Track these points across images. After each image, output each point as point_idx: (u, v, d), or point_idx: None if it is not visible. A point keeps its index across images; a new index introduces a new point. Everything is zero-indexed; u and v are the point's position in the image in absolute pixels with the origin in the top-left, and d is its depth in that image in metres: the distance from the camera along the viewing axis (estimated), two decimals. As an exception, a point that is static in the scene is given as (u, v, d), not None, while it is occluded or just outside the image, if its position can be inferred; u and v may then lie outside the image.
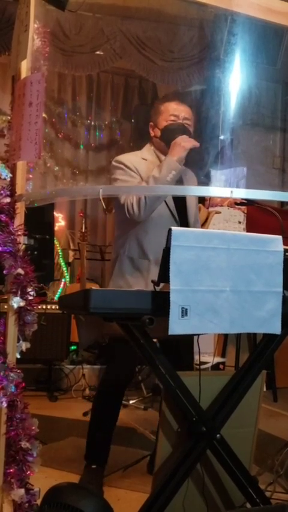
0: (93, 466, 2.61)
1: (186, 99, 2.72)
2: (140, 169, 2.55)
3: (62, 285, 5.41)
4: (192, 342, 2.64)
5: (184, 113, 2.60)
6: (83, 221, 5.15)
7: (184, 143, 2.46)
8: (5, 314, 1.77)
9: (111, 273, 2.68)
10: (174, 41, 4.54)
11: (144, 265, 2.54)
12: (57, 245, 5.41)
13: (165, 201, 2.54)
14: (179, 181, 2.55)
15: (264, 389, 2.60)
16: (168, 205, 2.56)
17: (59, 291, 5.32)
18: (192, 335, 2.00)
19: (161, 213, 2.52)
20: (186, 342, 2.56)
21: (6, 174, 1.82)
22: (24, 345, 1.79)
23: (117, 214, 2.65)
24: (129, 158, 2.62)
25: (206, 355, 4.00)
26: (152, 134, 2.67)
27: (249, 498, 1.92)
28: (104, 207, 4.58)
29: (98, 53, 4.51)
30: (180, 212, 2.62)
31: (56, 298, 4.87)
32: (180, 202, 2.62)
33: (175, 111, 2.59)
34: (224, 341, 4.77)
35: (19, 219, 1.82)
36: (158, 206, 2.48)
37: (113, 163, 2.63)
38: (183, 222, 2.62)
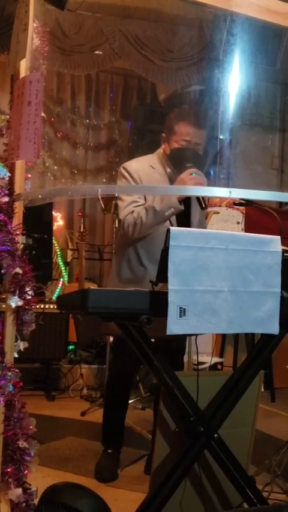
0: (109, 451, 2.85)
1: (197, 116, 2.67)
2: (145, 181, 2.58)
3: (60, 285, 5.41)
4: (184, 342, 2.71)
5: (196, 138, 2.59)
6: (82, 221, 5.14)
7: (189, 182, 2.45)
8: (3, 313, 1.77)
9: (110, 274, 2.77)
10: (173, 41, 4.53)
11: (140, 271, 2.63)
12: (56, 245, 5.41)
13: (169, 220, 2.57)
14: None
15: (262, 389, 2.60)
16: (171, 221, 2.59)
17: (57, 290, 5.32)
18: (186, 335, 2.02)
19: (163, 227, 2.54)
20: (178, 341, 2.61)
21: (4, 173, 1.82)
22: (22, 345, 1.79)
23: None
24: (136, 168, 2.64)
25: (204, 355, 4.01)
26: (163, 147, 2.69)
27: (246, 498, 1.92)
28: (103, 206, 4.59)
29: (97, 52, 4.51)
30: (182, 226, 2.62)
31: (54, 297, 4.87)
32: (182, 216, 2.63)
33: (187, 136, 2.57)
34: (222, 341, 4.78)
35: (17, 219, 1.82)
36: (151, 231, 2.55)
37: (121, 169, 2.67)
38: None
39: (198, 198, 2.53)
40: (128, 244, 2.66)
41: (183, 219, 2.65)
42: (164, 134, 2.68)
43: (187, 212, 2.66)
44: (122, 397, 2.89)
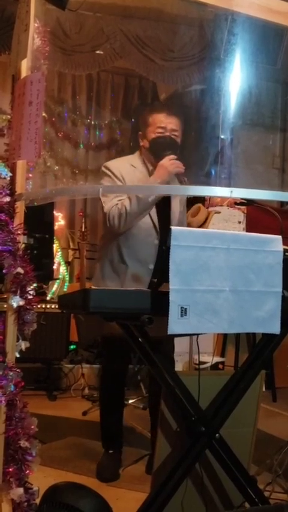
0: (111, 451, 2.84)
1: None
2: (127, 178, 2.63)
3: (57, 285, 5.40)
4: (173, 342, 2.76)
5: (172, 124, 2.66)
6: (83, 220, 5.15)
7: (170, 167, 2.52)
8: (5, 313, 1.77)
9: (94, 274, 2.82)
10: (174, 41, 4.53)
11: (121, 269, 2.65)
12: (57, 244, 5.41)
13: (149, 213, 2.62)
14: (166, 196, 2.64)
15: (263, 389, 2.60)
16: (150, 214, 2.65)
17: (52, 290, 5.30)
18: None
19: (143, 222, 2.63)
20: (168, 342, 2.66)
21: (6, 173, 1.82)
22: (24, 344, 1.79)
23: (104, 220, 2.73)
24: (117, 165, 2.71)
25: (206, 355, 4.01)
26: (141, 144, 2.75)
27: (247, 498, 1.92)
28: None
29: (98, 52, 4.51)
30: (162, 221, 2.69)
31: (49, 296, 4.87)
32: (163, 213, 2.70)
33: (162, 123, 2.65)
34: (223, 341, 4.77)
35: (19, 218, 1.82)
36: (137, 221, 2.59)
37: (102, 168, 2.74)
38: (164, 233, 2.68)
39: (178, 176, 2.56)
40: (111, 242, 2.68)
41: (164, 210, 2.70)
42: (140, 132, 2.75)
43: (167, 203, 2.72)
44: (116, 397, 2.89)
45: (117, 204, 2.56)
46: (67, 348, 4.46)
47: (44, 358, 4.30)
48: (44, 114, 1.83)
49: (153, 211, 2.65)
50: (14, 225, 1.78)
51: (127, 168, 2.68)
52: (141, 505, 1.84)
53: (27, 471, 1.74)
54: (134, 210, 2.53)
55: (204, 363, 3.88)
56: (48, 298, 4.72)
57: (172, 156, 2.54)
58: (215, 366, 4.39)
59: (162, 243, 2.65)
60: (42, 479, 1.86)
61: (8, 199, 1.79)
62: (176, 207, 2.76)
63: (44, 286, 4.73)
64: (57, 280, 5.41)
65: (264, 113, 5.37)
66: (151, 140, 2.66)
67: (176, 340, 3.03)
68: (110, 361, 2.89)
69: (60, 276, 5.46)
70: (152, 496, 1.83)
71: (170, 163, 2.52)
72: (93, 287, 2.63)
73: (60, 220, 5.84)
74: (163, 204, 2.66)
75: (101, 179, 2.72)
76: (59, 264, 5.49)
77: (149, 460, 2.83)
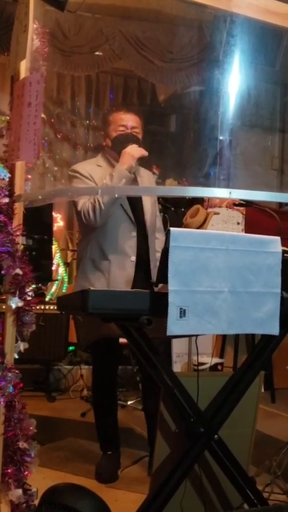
0: (109, 453, 2.85)
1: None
2: (95, 176, 2.68)
3: (55, 286, 5.39)
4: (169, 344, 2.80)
5: (131, 121, 2.74)
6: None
7: (133, 152, 2.61)
8: (3, 314, 1.77)
9: (76, 276, 2.84)
10: (173, 42, 4.54)
11: (104, 265, 2.68)
12: (56, 245, 5.40)
13: (120, 204, 2.68)
14: (134, 181, 2.70)
15: (262, 390, 2.60)
16: (124, 207, 2.70)
17: (51, 291, 5.29)
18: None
19: (118, 216, 2.67)
20: (163, 344, 2.69)
21: (5, 174, 1.82)
22: (23, 346, 1.79)
23: (78, 220, 2.79)
24: (84, 167, 2.78)
25: (205, 356, 4.00)
26: (104, 144, 2.83)
27: (246, 499, 1.92)
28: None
29: (97, 53, 4.51)
30: (137, 213, 2.75)
31: (48, 297, 4.86)
32: (135, 203, 2.75)
33: (122, 121, 2.73)
34: (222, 342, 4.77)
35: (18, 219, 1.82)
36: (113, 211, 2.63)
37: (69, 172, 2.80)
38: (140, 222, 2.75)
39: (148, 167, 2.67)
40: (90, 241, 2.71)
41: (136, 205, 2.75)
42: (103, 132, 2.84)
43: (139, 198, 2.77)
44: (109, 398, 2.89)
45: (89, 198, 2.61)
46: (66, 349, 4.46)
47: (43, 359, 4.30)
48: (43, 115, 1.83)
49: (126, 205, 2.69)
50: (13, 226, 1.78)
51: (93, 168, 2.74)
52: (140, 506, 1.84)
53: (26, 472, 1.74)
54: (107, 199, 2.56)
55: (203, 364, 3.87)
56: (47, 299, 4.72)
57: (134, 145, 2.62)
58: (214, 367, 4.39)
59: (139, 235, 2.71)
60: (41, 480, 1.86)
61: (6, 200, 1.79)
62: (147, 199, 2.81)
63: (43, 287, 4.72)
64: (56, 282, 5.40)
65: (263, 114, 5.38)
66: (113, 138, 2.74)
67: (175, 341, 3.04)
68: (99, 363, 2.91)
69: (59, 277, 5.46)
70: (151, 497, 1.83)
71: (133, 148, 2.60)
72: (77, 288, 2.65)
73: (59, 222, 5.83)
74: (134, 197, 2.73)
75: (70, 184, 2.77)
76: (58, 265, 5.49)
77: (149, 462, 2.82)
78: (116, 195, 2.56)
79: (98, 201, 2.56)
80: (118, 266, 2.65)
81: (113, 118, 2.76)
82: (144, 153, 2.63)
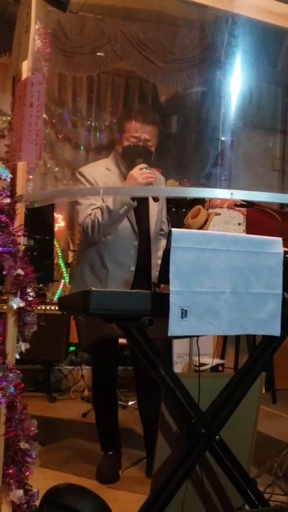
0: (110, 453, 2.85)
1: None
2: (100, 182, 2.65)
3: (61, 286, 5.41)
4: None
5: (146, 133, 2.67)
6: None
7: (139, 178, 2.52)
8: (5, 315, 1.77)
9: (73, 278, 2.83)
10: (175, 43, 4.53)
11: (103, 273, 2.67)
12: (57, 246, 5.41)
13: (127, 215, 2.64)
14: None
15: (263, 391, 2.60)
16: (130, 219, 2.67)
17: (58, 291, 5.31)
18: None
19: (122, 226, 2.65)
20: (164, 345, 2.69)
21: (6, 174, 1.82)
22: (24, 346, 1.79)
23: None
24: (91, 170, 2.74)
25: (206, 357, 4.00)
26: (116, 148, 2.79)
27: (248, 500, 1.92)
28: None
29: (98, 54, 4.51)
30: (141, 222, 2.72)
31: (55, 299, 4.86)
32: (141, 215, 2.73)
33: (136, 132, 2.67)
34: (224, 343, 4.77)
35: (19, 220, 1.82)
36: (111, 231, 2.61)
37: (76, 174, 2.77)
38: (143, 231, 2.72)
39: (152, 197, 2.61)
40: (90, 246, 2.70)
41: (141, 211, 2.73)
42: (118, 135, 2.78)
43: (145, 204, 2.74)
44: (109, 398, 2.89)
45: (90, 214, 2.59)
46: (67, 349, 4.46)
47: (44, 359, 4.31)
48: (44, 116, 1.83)
49: (131, 213, 2.66)
50: (15, 227, 1.78)
51: (101, 171, 2.71)
52: (141, 507, 1.84)
53: (27, 473, 1.74)
54: (106, 221, 2.56)
55: (204, 364, 3.87)
56: (55, 299, 4.72)
57: (142, 165, 2.55)
58: (215, 368, 4.39)
59: (141, 244, 2.70)
60: (42, 481, 1.86)
61: (8, 200, 1.80)
62: (154, 206, 2.78)
63: (44, 287, 4.72)
64: (63, 281, 5.42)
65: (265, 115, 5.38)
66: (124, 147, 2.70)
67: (176, 341, 3.04)
68: (99, 363, 2.91)
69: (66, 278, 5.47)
70: (152, 498, 1.83)
71: (139, 174, 2.53)
72: (74, 289, 2.65)
73: (60, 222, 5.84)
74: (140, 205, 2.68)
75: (76, 184, 2.76)
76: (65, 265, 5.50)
77: (147, 463, 2.81)
78: (120, 211, 2.54)
79: (98, 220, 2.55)
80: (116, 276, 2.65)
81: (128, 126, 2.69)
82: (151, 180, 2.54)
